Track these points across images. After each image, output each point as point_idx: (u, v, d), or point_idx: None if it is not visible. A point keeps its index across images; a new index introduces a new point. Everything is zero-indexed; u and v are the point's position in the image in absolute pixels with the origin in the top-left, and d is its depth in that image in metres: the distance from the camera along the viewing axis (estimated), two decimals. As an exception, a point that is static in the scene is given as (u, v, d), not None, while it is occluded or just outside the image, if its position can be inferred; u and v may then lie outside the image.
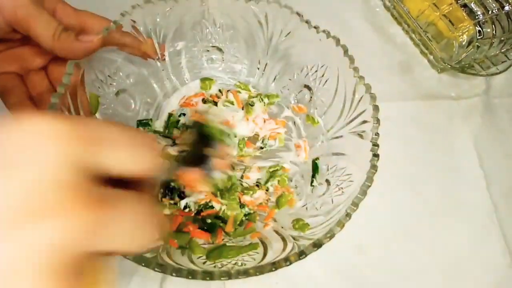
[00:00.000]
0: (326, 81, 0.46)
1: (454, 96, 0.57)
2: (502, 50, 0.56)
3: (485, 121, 0.55)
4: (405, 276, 0.44)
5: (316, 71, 0.47)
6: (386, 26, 0.61)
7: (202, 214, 0.41)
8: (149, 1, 0.43)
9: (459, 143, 0.53)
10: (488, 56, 0.56)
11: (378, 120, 0.39)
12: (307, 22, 0.44)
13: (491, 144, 0.53)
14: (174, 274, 0.31)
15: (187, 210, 0.41)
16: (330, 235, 0.33)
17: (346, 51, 0.42)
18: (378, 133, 0.39)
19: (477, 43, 0.54)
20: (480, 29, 0.54)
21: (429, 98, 0.56)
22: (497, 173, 0.51)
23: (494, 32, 0.54)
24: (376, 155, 0.37)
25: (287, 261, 0.32)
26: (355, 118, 0.42)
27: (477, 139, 0.53)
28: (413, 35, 0.59)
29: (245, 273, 0.31)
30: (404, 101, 0.55)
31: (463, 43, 0.54)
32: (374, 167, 0.37)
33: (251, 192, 0.43)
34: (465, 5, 0.55)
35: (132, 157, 0.18)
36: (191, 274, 0.31)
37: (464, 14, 0.54)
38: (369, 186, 0.36)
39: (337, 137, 0.44)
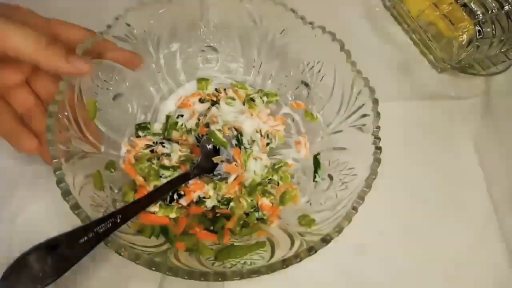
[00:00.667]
0: (323, 76, 0.46)
1: (454, 96, 0.57)
2: (502, 50, 0.56)
3: (485, 120, 0.55)
4: (405, 276, 0.44)
5: (312, 67, 0.47)
6: (386, 26, 0.61)
7: (218, 211, 0.41)
8: (142, 3, 0.43)
9: (459, 143, 0.53)
10: (488, 56, 0.56)
11: (378, 114, 0.39)
12: (301, 18, 0.44)
13: (491, 144, 0.53)
14: (186, 277, 0.31)
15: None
16: (339, 229, 0.34)
17: (342, 46, 0.43)
18: (379, 126, 0.39)
19: (477, 43, 0.54)
20: (480, 29, 0.54)
21: (429, 98, 0.56)
22: (497, 173, 0.51)
23: (494, 32, 0.54)
24: (378, 148, 0.38)
25: (297, 257, 0.32)
26: (354, 112, 0.42)
27: (477, 139, 0.53)
28: (413, 35, 0.59)
29: (257, 272, 0.31)
30: (404, 101, 0.55)
31: (463, 43, 0.54)
32: (377, 160, 0.37)
33: (272, 197, 0.43)
34: (465, 5, 0.55)
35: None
36: (203, 276, 0.31)
37: (464, 14, 0.54)
38: (374, 179, 0.36)
39: (337, 132, 0.45)
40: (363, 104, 0.41)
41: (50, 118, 0.35)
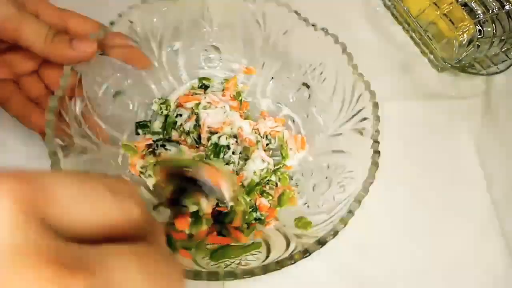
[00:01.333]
0: (325, 79, 0.46)
1: (454, 95, 0.57)
2: (503, 49, 0.56)
3: (485, 120, 0.55)
4: (405, 276, 0.44)
5: (314, 69, 0.47)
6: (386, 26, 0.61)
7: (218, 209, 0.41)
8: (146, 1, 0.43)
9: (460, 143, 0.53)
10: (488, 56, 0.56)
11: (378, 117, 0.39)
12: (305, 20, 0.44)
13: (491, 144, 0.53)
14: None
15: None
16: (334, 232, 0.34)
17: (344, 49, 0.43)
18: (378, 130, 0.39)
19: (477, 42, 0.54)
20: (480, 28, 0.54)
21: (430, 97, 0.56)
22: (498, 173, 0.51)
23: (494, 31, 0.54)
24: (377, 152, 0.38)
25: (291, 259, 0.32)
26: (354, 115, 0.42)
27: (478, 139, 0.53)
28: (414, 35, 0.59)
29: (250, 272, 0.31)
30: (404, 101, 0.55)
31: (464, 42, 0.54)
32: (375, 164, 0.37)
33: (270, 197, 0.43)
34: (465, 4, 0.55)
35: (92, 213, 0.15)
36: (197, 275, 0.31)
37: (465, 13, 0.54)
38: (371, 183, 0.36)
39: (337, 135, 0.44)
40: (363, 108, 0.41)
41: (49, 113, 0.35)
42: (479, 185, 0.50)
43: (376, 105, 0.40)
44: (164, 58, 0.48)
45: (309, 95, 0.48)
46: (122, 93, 0.45)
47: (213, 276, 0.31)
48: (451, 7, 0.55)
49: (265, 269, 0.32)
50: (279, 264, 0.32)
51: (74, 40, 0.37)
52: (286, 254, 0.34)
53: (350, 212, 0.35)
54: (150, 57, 0.47)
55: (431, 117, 0.55)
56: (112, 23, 0.41)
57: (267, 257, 0.36)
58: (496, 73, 0.56)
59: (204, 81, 0.50)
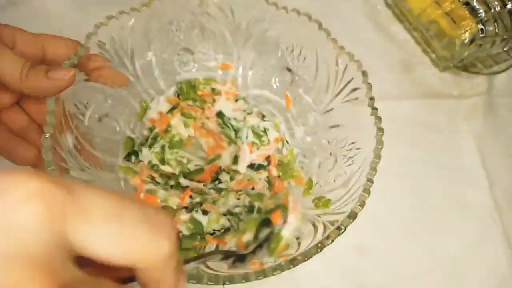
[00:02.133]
0: (305, 58, 0.46)
1: (456, 95, 0.56)
2: (505, 49, 0.56)
3: (487, 120, 0.55)
4: (406, 276, 0.44)
5: (292, 50, 0.47)
6: (387, 24, 0.61)
7: None
8: (111, 16, 0.41)
9: (461, 143, 0.53)
10: (490, 55, 0.56)
11: (370, 85, 0.40)
12: (274, 4, 0.44)
13: (493, 144, 0.53)
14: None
15: None
16: (361, 203, 0.34)
17: (320, 25, 0.43)
18: (373, 97, 0.40)
19: (479, 42, 0.53)
20: (482, 27, 0.54)
21: (431, 97, 0.56)
22: (500, 173, 0.51)
23: (496, 30, 0.54)
24: (377, 118, 0.39)
25: (328, 238, 0.33)
26: (344, 87, 0.43)
27: (480, 138, 0.53)
28: (415, 33, 0.59)
29: (294, 261, 0.32)
30: (405, 100, 0.54)
31: (465, 41, 0.54)
32: (380, 130, 0.38)
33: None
34: (467, 3, 0.54)
35: (122, 241, 0.14)
36: (244, 278, 0.30)
37: (467, 12, 0.54)
38: (381, 148, 0.37)
39: (329, 110, 0.45)
40: (352, 79, 0.42)
41: (47, 153, 0.33)
42: (481, 185, 0.50)
43: (365, 74, 0.40)
44: (139, 71, 0.46)
45: (292, 77, 0.48)
46: (105, 116, 0.44)
47: (259, 274, 0.31)
48: (453, 6, 0.54)
49: (307, 255, 0.32)
50: (319, 247, 0.32)
51: (50, 70, 0.35)
52: (319, 237, 0.35)
53: (369, 181, 0.36)
54: (125, 73, 0.45)
55: (432, 116, 0.54)
56: (82, 46, 0.39)
57: (299, 244, 0.36)
58: (498, 72, 0.56)
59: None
